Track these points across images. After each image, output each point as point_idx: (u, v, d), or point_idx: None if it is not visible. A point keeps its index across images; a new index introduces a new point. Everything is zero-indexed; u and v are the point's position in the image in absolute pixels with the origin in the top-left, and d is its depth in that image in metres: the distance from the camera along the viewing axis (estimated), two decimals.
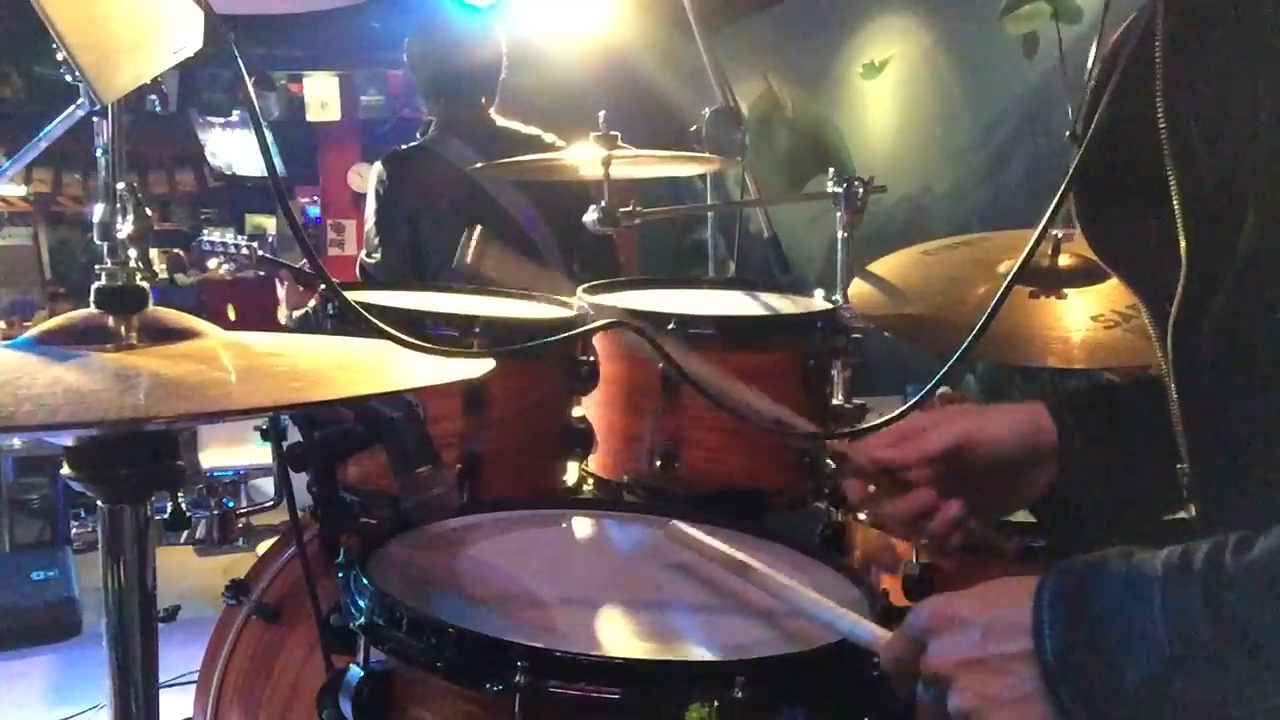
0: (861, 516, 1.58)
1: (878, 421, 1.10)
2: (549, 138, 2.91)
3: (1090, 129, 0.86)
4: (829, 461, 1.48)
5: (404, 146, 2.98)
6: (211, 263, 3.06)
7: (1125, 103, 0.85)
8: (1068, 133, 1.01)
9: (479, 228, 1.12)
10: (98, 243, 0.95)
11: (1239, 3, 0.77)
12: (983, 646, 0.76)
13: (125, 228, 0.95)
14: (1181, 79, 0.80)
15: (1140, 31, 0.84)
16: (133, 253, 0.93)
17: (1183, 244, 0.80)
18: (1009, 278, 0.93)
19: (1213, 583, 0.68)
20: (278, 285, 2.90)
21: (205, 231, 3.15)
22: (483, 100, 2.92)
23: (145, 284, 0.93)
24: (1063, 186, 0.89)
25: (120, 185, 0.98)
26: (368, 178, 3.00)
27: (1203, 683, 0.68)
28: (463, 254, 1.12)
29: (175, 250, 3.03)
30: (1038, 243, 0.95)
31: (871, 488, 1.07)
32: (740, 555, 1.07)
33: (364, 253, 2.93)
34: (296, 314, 2.69)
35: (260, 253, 3.03)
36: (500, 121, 2.95)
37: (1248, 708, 0.67)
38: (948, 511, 1.03)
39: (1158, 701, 0.69)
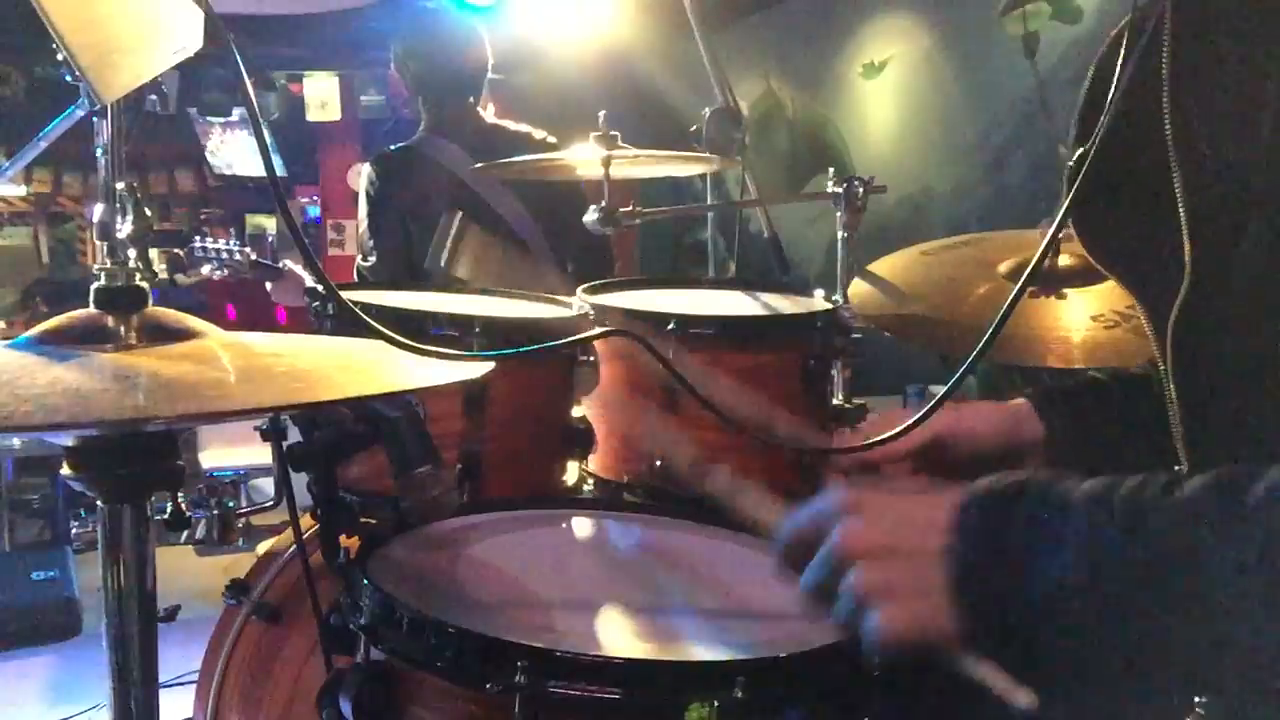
0: None
1: (882, 436, 1.09)
2: (539, 134, 2.90)
3: (1097, 132, 0.86)
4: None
5: (392, 147, 2.98)
6: (206, 268, 3.05)
7: (1125, 105, 0.85)
8: (1062, 145, 1.01)
9: (459, 213, 1.11)
10: (98, 242, 0.95)
11: (1248, 6, 0.77)
12: (896, 534, 0.76)
13: (125, 228, 0.95)
14: (1188, 82, 0.80)
15: (1146, 34, 0.83)
16: (132, 252, 0.93)
17: (1186, 246, 0.80)
18: (1015, 290, 0.93)
19: (1131, 512, 0.68)
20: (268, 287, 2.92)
21: (199, 238, 3.14)
22: (470, 99, 2.92)
23: (145, 284, 0.93)
24: (1070, 193, 0.89)
25: (120, 185, 0.98)
26: None
27: (1101, 607, 0.68)
28: (440, 242, 1.12)
29: (175, 250, 3.02)
30: (1045, 253, 0.94)
31: None
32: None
33: (359, 257, 2.92)
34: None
35: (254, 258, 3.03)
36: (489, 119, 2.95)
37: (1138, 640, 0.68)
38: None
39: (1055, 618, 0.69)
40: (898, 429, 1.03)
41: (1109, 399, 1.08)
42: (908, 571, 0.74)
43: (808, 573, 0.80)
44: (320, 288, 1.65)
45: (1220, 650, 0.65)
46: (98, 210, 0.95)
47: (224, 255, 3.07)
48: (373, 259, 2.84)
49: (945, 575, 0.72)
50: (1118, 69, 0.86)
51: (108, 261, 0.93)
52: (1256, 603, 0.63)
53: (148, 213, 0.96)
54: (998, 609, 0.71)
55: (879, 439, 1.09)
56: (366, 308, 1.16)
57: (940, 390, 1.05)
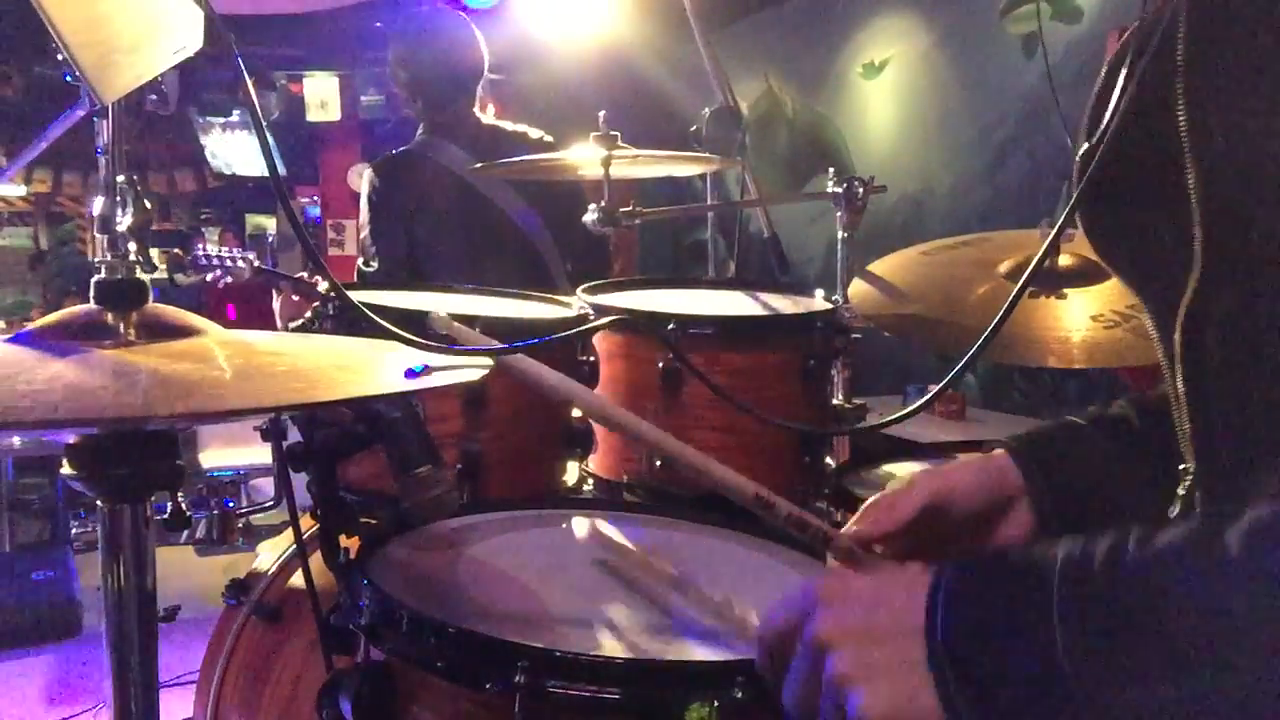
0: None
1: (885, 420, 1.09)
2: (535, 133, 2.89)
3: (1103, 129, 0.86)
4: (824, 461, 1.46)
5: (393, 151, 2.97)
6: (210, 276, 3.03)
7: (1137, 101, 0.85)
8: (1071, 141, 1.01)
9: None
10: (97, 235, 0.95)
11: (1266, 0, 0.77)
12: (871, 617, 0.73)
13: (125, 220, 0.95)
14: (1203, 73, 0.80)
15: (1160, 31, 0.83)
16: (132, 246, 0.93)
17: (1198, 239, 0.80)
18: (1015, 290, 0.93)
19: (1112, 576, 0.66)
20: (274, 296, 2.89)
21: (200, 247, 3.12)
22: (465, 100, 2.90)
23: (145, 277, 0.93)
24: (1075, 193, 0.89)
25: (120, 178, 0.97)
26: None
27: (1095, 676, 0.65)
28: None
29: (176, 250, 3.01)
30: (1046, 254, 0.95)
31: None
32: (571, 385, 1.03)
33: (361, 261, 2.92)
34: (293, 325, 2.65)
35: (256, 264, 3.01)
36: (485, 120, 2.94)
37: (1140, 702, 0.65)
38: None
39: (1047, 693, 0.66)
40: (901, 413, 1.03)
41: (1085, 443, 1.07)
42: (884, 650, 0.71)
43: (786, 688, 0.76)
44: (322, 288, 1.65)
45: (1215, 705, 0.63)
46: (98, 203, 0.95)
47: (226, 262, 3.05)
48: (375, 264, 2.83)
49: (925, 653, 0.70)
50: (1121, 70, 0.86)
51: (108, 255, 0.93)
52: (1241, 658, 0.61)
53: (147, 205, 0.96)
54: (982, 690, 0.68)
55: (881, 422, 1.09)
56: (368, 308, 1.16)
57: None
